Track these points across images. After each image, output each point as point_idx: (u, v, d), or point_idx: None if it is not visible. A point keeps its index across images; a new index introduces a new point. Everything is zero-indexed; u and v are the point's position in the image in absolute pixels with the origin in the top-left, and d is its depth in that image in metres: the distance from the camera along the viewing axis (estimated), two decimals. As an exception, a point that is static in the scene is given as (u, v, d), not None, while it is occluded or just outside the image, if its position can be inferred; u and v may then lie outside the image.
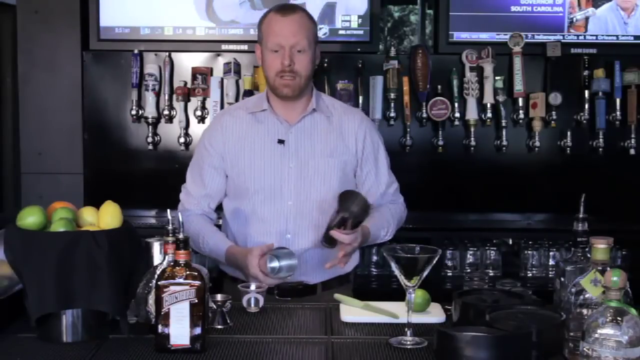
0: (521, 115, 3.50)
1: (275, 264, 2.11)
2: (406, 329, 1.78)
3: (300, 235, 2.31)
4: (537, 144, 3.51)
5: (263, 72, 2.37)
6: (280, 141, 2.32)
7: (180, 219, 1.78)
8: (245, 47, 3.51)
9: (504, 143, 3.52)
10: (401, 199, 2.52)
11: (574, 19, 3.55)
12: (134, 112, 3.48)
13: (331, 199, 2.28)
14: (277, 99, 2.34)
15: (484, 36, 3.54)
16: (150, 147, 3.52)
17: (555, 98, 3.47)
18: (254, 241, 2.32)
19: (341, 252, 2.18)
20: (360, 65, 3.50)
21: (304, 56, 2.27)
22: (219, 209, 2.45)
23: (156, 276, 1.71)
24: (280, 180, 2.31)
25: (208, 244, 2.32)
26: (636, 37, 3.55)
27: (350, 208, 2.20)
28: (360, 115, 2.48)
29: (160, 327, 1.66)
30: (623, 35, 3.55)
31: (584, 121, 3.53)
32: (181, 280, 1.66)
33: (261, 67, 2.37)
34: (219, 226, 2.44)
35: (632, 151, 3.51)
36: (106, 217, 1.84)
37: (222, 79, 3.47)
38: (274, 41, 2.26)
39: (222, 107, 3.45)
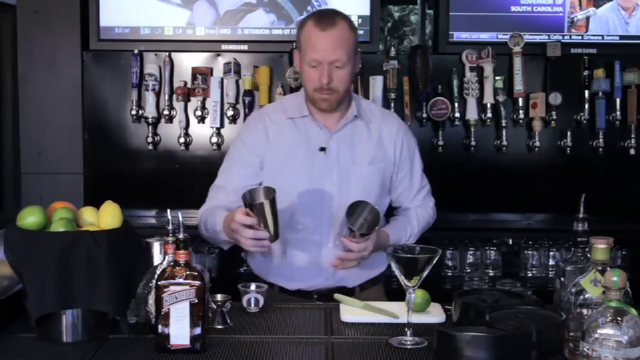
0: (521, 115, 3.50)
1: None
2: (406, 329, 1.78)
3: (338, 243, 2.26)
4: (537, 144, 3.51)
5: (302, 81, 2.31)
6: (322, 149, 2.30)
7: (180, 219, 1.78)
8: (245, 47, 3.51)
9: (504, 143, 3.52)
10: (431, 202, 2.50)
11: (575, 19, 3.55)
12: (134, 112, 3.47)
13: (380, 217, 2.26)
14: None
15: (484, 36, 3.54)
16: (150, 147, 3.52)
17: (555, 98, 3.47)
18: (293, 249, 2.31)
19: (341, 255, 2.18)
20: (360, 65, 3.49)
21: (343, 71, 2.21)
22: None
23: (156, 276, 1.71)
24: (322, 188, 2.29)
25: (210, 222, 2.24)
26: (636, 37, 3.55)
27: (359, 220, 2.16)
28: (398, 121, 2.45)
29: (160, 327, 1.66)
30: (623, 36, 3.55)
31: (584, 121, 3.52)
32: (181, 280, 1.66)
33: (300, 75, 2.32)
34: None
35: (632, 151, 3.51)
36: (106, 217, 1.84)
37: (222, 79, 3.47)
38: (312, 57, 2.20)
39: (222, 107, 3.46)
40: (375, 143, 2.35)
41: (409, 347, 1.74)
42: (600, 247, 1.60)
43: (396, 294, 2.38)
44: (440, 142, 3.51)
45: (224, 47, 3.52)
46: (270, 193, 2.05)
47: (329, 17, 2.23)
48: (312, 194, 2.29)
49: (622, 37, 3.56)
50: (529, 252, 3.40)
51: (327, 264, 2.29)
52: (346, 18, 2.27)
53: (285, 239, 2.31)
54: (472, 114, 3.48)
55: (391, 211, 2.51)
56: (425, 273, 1.78)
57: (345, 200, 2.23)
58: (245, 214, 2.02)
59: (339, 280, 2.32)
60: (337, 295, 2.10)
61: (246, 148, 2.34)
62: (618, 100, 3.50)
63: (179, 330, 1.65)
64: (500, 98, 3.49)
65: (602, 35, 3.55)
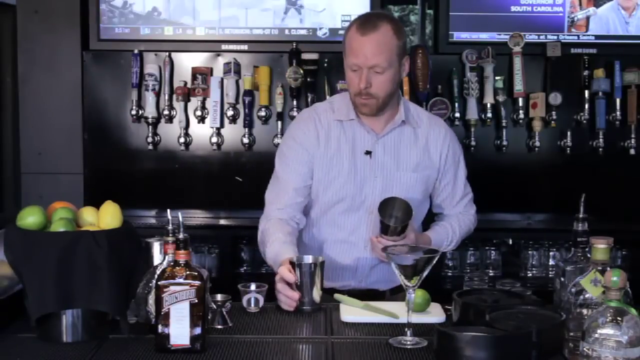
0: (521, 115, 3.50)
1: None
2: (406, 329, 1.77)
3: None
4: (537, 144, 3.51)
5: (347, 84, 2.30)
6: (368, 152, 2.30)
7: (180, 219, 1.77)
8: (245, 47, 3.51)
9: (504, 143, 3.53)
10: (473, 209, 2.49)
11: (575, 19, 3.55)
12: (134, 112, 3.48)
13: (412, 213, 2.24)
14: None
15: (484, 36, 3.54)
16: (150, 147, 3.52)
17: (555, 98, 3.47)
18: (330, 249, 2.33)
19: (379, 240, 2.17)
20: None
21: (383, 77, 2.20)
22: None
23: (156, 276, 1.71)
24: (364, 191, 2.29)
25: (270, 251, 2.22)
26: (636, 37, 3.56)
27: (392, 214, 2.17)
28: (445, 127, 2.44)
29: (160, 327, 1.66)
30: (623, 36, 3.55)
31: (584, 121, 3.53)
32: (181, 280, 1.66)
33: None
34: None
35: (632, 151, 3.51)
36: (106, 217, 1.84)
37: (222, 79, 3.47)
38: (352, 61, 2.20)
39: (222, 107, 3.46)
40: (422, 149, 2.35)
41: (409, 347, 1.73)
42: (600, 247, 1.60)
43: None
44: (441, 142, 3.51)
45: (224, 47, 3.52)
46: (318, 261, 2.09)
47: (372, 21, 2.20)
48: (354, 196, 2.30)
49: (622, 37, 3.56)
50: (529, 252, 3.40)
51: (362, 266, 2.32)
52: (392, 21, 2.23)
53: (323, 238, 2.34)
54: (472, 114, 3.49)
55: (432, 217, 2.50)
56: (425, 273, 1.78)
57: None
58: (289, 271, 2.03)
59: (371, 283, 2.34)
60: (337, 295, 2.10)
61: (300, 147, 2.32)
62: (618, 100, 3.50)
63: (179, 330, 1.65)
64: (500, 98, 3.50)
65: (597, 35, 3.55)
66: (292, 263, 2.06)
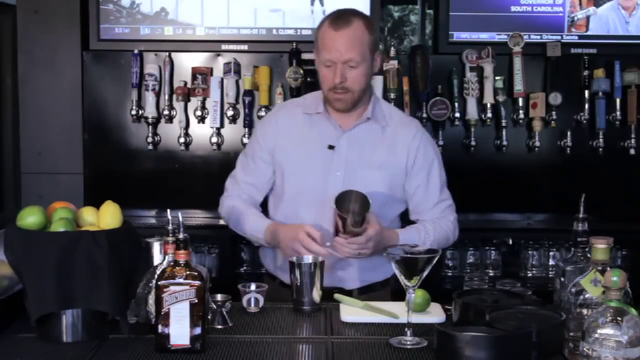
0: (521, 115, 3.50)
1: None
2: (406, 329, 1.77)
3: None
4: (537, 144, 3.51)
5: (319, 81, 2.31)
6: (331, 147, 2.30)
7: (180, 219, 1.77)
8: (245, 47, 3.51)
9: (504, 143, 3.53)
10: (453, 216, 2.41)
11: (575, 18, 3.55)
12: (134, 112, 3.48)
13: (375, 211, 2.22)
14: None
15: (484, 36, 3.54)
16: (150, 147, 3.52)
17: (555, 98, 3.47)
18: None
19: (342, 240, 2.14)
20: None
21: (357, 71, 2.21)
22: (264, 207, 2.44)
23: (156, 276, 1.71)
24: (326, 186, 2.28)
25: (247, 223, 2.32)
26: (636, 37, 3.56)
27: (349, 208, 2.13)
28: (417, 127, 2.41)
29: (160, 327, 1.66)
30: (622, 36, 3.55)
31: (584, 121, 3.53)
32: (181, 280, 1.66)
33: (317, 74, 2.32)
34: None
35: (632, 151, 3.51)
36: (106, 217, 1.84)
37: (222, 79, 3.47)
38: (325, 56, 2.21)
39: (222, 107, 3.46)
40: (387, 148, 2.33)
41: (409, 347, 1.73)
42: (600, 247, 1.60)
43: (396, 294, 2.38)
44: (440, 142, 3.51)
45: (224, 47, 3.52)
46: (318, 261, 2.08)
47: (344, 17, 2.23)
48: (315, 191, 2.29)
49: (622, 37, 3.56)
50: (529, 252, 3.40)
51: (326, 262, 2.28)
52: (364, 17, 2.27)
53: None
54: (472, 114, 3.48)
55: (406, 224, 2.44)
56: (425, 273, 1.78)
57: None
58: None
59: (337, 281, 2.30)
60: (337, 295, 2.10)
61: (258, 143, 2.39)
62: (618, 100, 3.50)
63: (179, 330, 1.65)
64: (500, 98, 3.50)
65: (597, 35, 3.55)
66: (291, 263, 2.06)
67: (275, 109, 2.53)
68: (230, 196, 2.41)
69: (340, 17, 2.23)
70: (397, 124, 2.36)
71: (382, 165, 2.32)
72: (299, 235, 2.14)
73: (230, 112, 3.46)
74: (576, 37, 3.55)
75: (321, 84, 2.29)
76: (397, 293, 2.37)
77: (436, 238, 2.33)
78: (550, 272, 3.32)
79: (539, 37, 3.54)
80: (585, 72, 3.50)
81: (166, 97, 3.49)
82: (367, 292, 2.33)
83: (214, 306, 1.88)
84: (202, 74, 3.48)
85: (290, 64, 3.43)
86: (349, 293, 2.27)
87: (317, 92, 2.42)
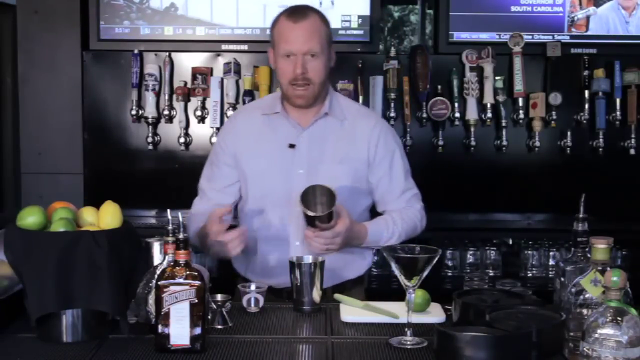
0: (521, 115, 3.50)
1: None
2: (406, 329, 1.77)
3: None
4: (537, 144, 3.51)
5: (277, 77, 2.33)
6: (291, 145, 2.30)
7: (180, 219, 1.78)
8: (245, 47, 3.51)
9: (504, 143, 3.52)
10: (419, 205, 2.42)
11: (575, 18, 3.55)
12: (134, 112, 3.48)
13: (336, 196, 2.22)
14: None
15: (484, 36, 3.54)
16: (150, 147, 3.52)
17: (555, 98, 3.47)
18: (263, 246, 2.32)
19: (312, 234, 2.13)
20: (360, 65, 3.50)
21: (317, 62, 2.23)
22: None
23: (156, 276, 1.71)
24: (290, 185, 2.28)
25: (191, 227, 2.33)
26: (636, 37, 3.56)
27: (316, 203, 2.11)
28: (376, 119, 2.43)
29: (160, 327, 1.66)
30: (622, 36, 3.55)
31: (584, 121, 3.53)
32: (181, 280, 1.66)
33: (275, 72, 2.34)
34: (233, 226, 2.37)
35: (632, 151, 3.51)
36: (106, 217, 1.84)
37: (222, 79, 3.47)
38: (285, 48, 2.22)
39: (222, 107, 3.46)
40: (348, 141, 2.33)
41: (409, 347, 1.73)
42: (600, 247, 1.60)
43: (396, 294, 2.38)
44: (440, 142, 3.51)
45: (224, 47, 3.52)
46: (318, 261, 2.06)
47: (300, 11, 2.27)
48: (280, 191, 2.29)
49: (622, 37, 3.56)
50: (529, 252, 3.40)
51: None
52: (318, 12, 2.30)
53: (257, 235, 2.33)
54: (472, 114, 3.48)
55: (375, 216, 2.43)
56: (425, 273, 1.77)
57: None
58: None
59: None
60: (337, 295, 2.10)
61: (220, 148, 2.40)
62: (618, 100, 3.50)
63: (179, 330, 1.65)
64: (500, 98, 3.50)
65: (597, 35, 3.55)
66: (292, 263, 2.06)
67: (235, 113, 2.52)
68: (194, 207, 2.42)
69: (297, 11, 2.27)
70: (356, 117, 2.37)
71: (344, 159, 2.32)
72: (209, 228, 2.16)
73: (230, 112, 3.45)
74: (576, 37, 3.55)
75: (280, 78, 2.29)
76: (394, 293, 2.38)
77: (404, 228, 2.33)
78: (550, 272, 3.32)
79: (539, 37, 3.53)
80: (585, 72, 3.50)
81: (166, 97, 3.49)
82: (341, 291, 2.28)
83: (214, 306, 1.88)
84: (202, 74, 3.48)
85: (290, 64, 3.43)
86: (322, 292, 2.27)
87: (275, 93, 2.44)
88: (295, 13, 2.25)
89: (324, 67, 2.26)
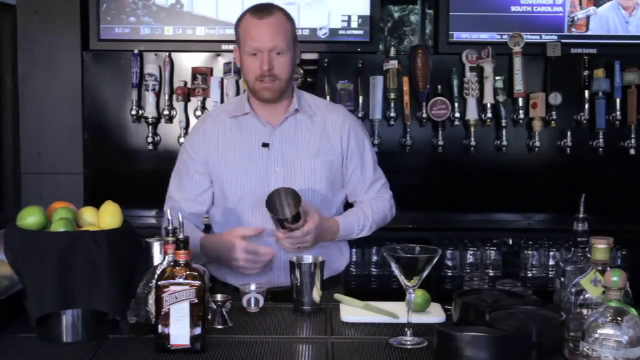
0: (521, 115, 3.50)
1: None
2: (406, 329, 1.77)
3: None
4: (537, 144, 3.51)
5: (243, 74, 2.34)
6: (265, 144, 2.30)
7: (180, 219, 1.78)
8: (245, 47, 3.51)
9: (504, 143, 3.53)
10: (388, 194, 2.47)
11: (575, 18, 3.55)
12: (134, 112, 3.48)
13: (319, 201, 2.29)
14: (259, 102, 2.32)
15: (484, 36, 3.54)
16: (150, 147, 3.52)
17: (555, 98, 3.47)
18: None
19: (283, 235, 2.16)
20: (360, 65, 3.50)
21: (284, 58, 2.24)
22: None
23: (156, 276, 1.71)
24: (267, 184, 2.27)
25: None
26: (636, 37, 3.56)
27: (282, 207, 2.14)
28: (344, 112, 2.44)
29: (160, 327, 1.66)
30: (622, 36, 3.55)
31: (584, 121, 3.53)
32: (181, 280, 1.66)
33: (240, 70, 2.34)
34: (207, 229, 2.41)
35: (632, 151, 3.51)
36: (106, 217, 1.83)
37: (222, 79, 3.47)
38: (251, 45, 2.23)
39: (222, 107, 3.46)
40: (320, 135, 2.34)
41: (409, 347, 1.73)
42: (600, 247, 1.60)
43: (396, 294, 2.38)
44: (440, 142, 3.51)
45: (224, 47, 3.52)
46: (318, 261, 2.07)
47: (265, 8, 2.28)
48: (258, 192, 2.28)
49: (622, 37, 3.56)
50: (529, 252, 3.40)
51: (278, 263, 2.27)
52: (283, 9, 2.30)
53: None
54: (472, 114, 3.48)
55: (349, 207, 2.46)
56: (425, 273, 1.77)
57: None
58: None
59: (287, 280, 2.23)
60: (337, 295, 2.10)
61: (189, 156, 2.37)
62: (618, 100, 3.50)
63: (179, 330, 1.65)
64: (500, 98, 3.50)
65: (597, 35, 3.55)
66: (292, 263, 2.06)
67: (201, 119, 2.48)
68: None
69: (262, 8, 2.27)
70: (324, 111, 2.38)
71: (319, 153, 2.33)
72: (237, 246, 2.14)
73: (230, 112, 3.45)
74: (576, 37, 3.55)
75: (246, 76, 2.30)
76: (394, 293, 2.38)
77: (375, 220, 2.38)
78: (550, 272, 3.32)
79: (539, 37, 3.53)
80: (585, 72, 3.50)
81: (166, 97, 3.50)
82: (325, 289, 2.26)
83: (214, 306, 1.88)
84: (202, 74, 3.48)
85: (290, 64, 3.43)
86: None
87: (240, 96, 2.43)
88: (260, 10, 2.26)
89: (289, 64, 2.27)
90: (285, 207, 2.14)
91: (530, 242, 3.41)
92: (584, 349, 1.43)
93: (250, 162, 2.30)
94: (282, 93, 2.29)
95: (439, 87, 3.51)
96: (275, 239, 2.23)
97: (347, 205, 2.46)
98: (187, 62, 3.54)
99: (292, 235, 2.16)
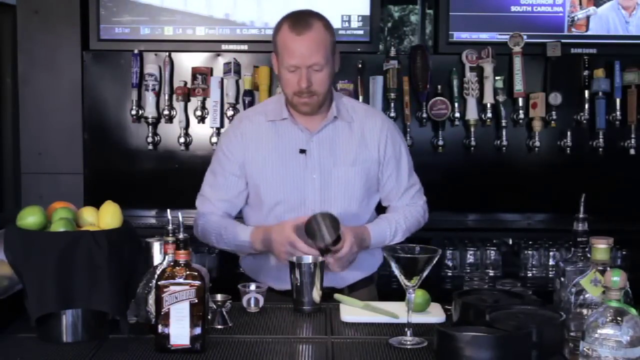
0: (521, 115, 3.50)
1: None
2: (406, 329, 1.77)
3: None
4: (537, 144, 3.51)
5: (280, 85, 2.30)
6: (302, 151, 2.29)
7: (180, 219, 1.77)
8: (245, 47, 3.51)
9: (504, 143, 3.53)
10: (422, 200, 2.46)
11: (575, 18, 3.55)
12: (134, 112, 3.48)
13: (355, 208, 2.30)
14: None
15: (484, 36, 3.54)
16: (150, 147, 3.52)
17: (555, 98, 3.47)
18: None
19: (333, 260, 2.17)
20: (360, 65, 3.50)
21: (322, 74, 2.20)
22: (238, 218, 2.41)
23: (156, 276, 1.71)
24: (304, 191, 2.28)
25: (230, 234, 2.27)
26: (636, 37, 3.56)
27: (321, 233, 2.12)
28: (382, 118, 2.43)
29: (160, 327, 1.66)
30: (622, 36, 3.55)
31: (584, 121, 3.53)
32: (181, 280, 1.66)
33: (278, 80, 2.30)
34: None
35: (632, 151, 3.51)
36: (106, 217, 1.83)
37: (222, 79, 3.47)
38: (289, 62, 2.19)
39: (222, 107, 3.46)
40: (358, 143, 2.33)
41: (409, 347, 1.73)
42: (600, 247, 1.60)
43: (396, 294, 2.38)
44: (440, 142, 3.51)
45: (224, 47, 3.52)
46: (318, 261, 2.07)
47: (304, 20, 2.21)
48: (294, 197, 2.28)
49: (622, 37, 3.56)
50: (529, 252, 3.40)
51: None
52: (322, 19, 2.24)
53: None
54: (472, 114, 3.49)
55: (382, 211, 2.46)
56: (425, 273, 1.77)
57: (328, 202, 2.27)
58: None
59: (327, 282, 2.28)
60: (337, 295, 2.10)
61: (226, 157, 2.34)
62: (618, 100, 3.51)
63: (179, 330, 1.65)
64: (500, 98, 3.50)
65: (597, 35, 3.55)
66: (291, 263, 2.06)
67: (237, 120, 2.43)
68: (204, 214, 2.35)
69: (300, 20, 2.21)
70: (362, 118, 2.37)
71: (356, 160, 2.32)
72: (290, 236, 2.12)
73: (230, 112, 3.45)
74: (576, 37, 3.55)
75: (284, 89, 2.27)
76: (394, 293, 2.38)
77: (407, 226, 2.38)
78: (550, 272, 3.32)
79: (539, 37, 3.53)
80: (585, 72, 3.50)
81: (166, 97, 3.50)
82: (357, 289, 2.34)
83: (214, 306, 1.88)
84: (202, 74, 3.48)
85: (290, 64, 3.43)
86: (339, 292, 2.27)
87: (275, 98, 2.40)
88: (298, 23, 2.19)
89: (328, 77, 2.23)
90: (324, 233, 2.12)
91: (530, 242, 3.41)
92: (584, 349, 1.43)
93: (287, 168, 2.29)
94: (320, 106, 2.28)
95: (439, 87, 3.51)
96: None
97: (380, 209, 2.46)
98: (187, 62, 3.54)
99: (341, 257, 2.15)
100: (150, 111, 3.47)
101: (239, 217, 2.42)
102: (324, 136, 2.32)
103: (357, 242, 2.20)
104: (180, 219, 1.77)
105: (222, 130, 3.48)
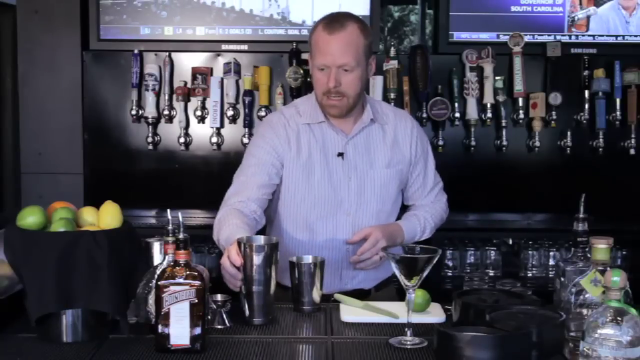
0: (521, 115, 3.50)
1: None
2: (406, 329, 1.77)
3: (357, 245, 2.25)
4: (537, 144, 3.51)
5: (313, 86, 2.27)
6: (340, 154, 2.29)
7: (180, 219, 1.77)
8: (245, 47, 3.51)
9: (504, 143, 3.53)
10: (444, 197, 2.51)
11: (576, 18, 3.55)
12: (134, 112, 3.48)
13: (389, 208, 2.34)
14: None
15: (484, 36, 3.54)
16: (150, 147, 3.52)
17: (555, 98, 3.47)
18: (308, 252, 2.21)
19: (354, 258, 2.22)
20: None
21: (352, 76, 2.19)
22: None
23: (156, 276, 1.71)
24: (340, 193, 2.29)
25: (223, 234, 2.11)
26: (636, 37, 3.56)
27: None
28: (410, 119, 2.46)
29: (160, 327, 1.66)
30: (622, 35, 3.55)
31: (584, 121, 3.53)
32: (181, 280, 1.66)
33: (311, 79, 2.29)
34: (262, 232, 2.27)
35: (632, 151, 3.51)
36: (106, 217, 1.84)
37: (222, 79, 3.47)
38: (320, 61, 2.19)
39: (222, 107, 3.46)
40: (391, 145, 2.35)
41: (409, 347, 1.73)
42: (600, 247, 1.60)
43: (396, 294, 2.38)
44: (440, 142, 3.51)
45: (224, 47, 3.52)
46: (318, 261, 2.06)
47: (338, 21, 2.20)
48: (330, 200, 2.29)
49: (622, 36, 3.56)
50: (529, 252, 3.40)
51: (346, 270, 2.31)
52: (358, 22, 2.23)
53: (303, 245, 2.30)
54: (472, 114, 3.49)
55: (404, 208, 2.48)
56: (425, 273, 1.78)
57: (364, 204, 2.29)
58: (236, 252, 1.91)
59: (357, 284, 2.34)
60: (337, 295, 2.10)
61: (270, 147, 2.28)
62: (618, 100, 3.50)
63: (179, 330, 1.65)
64: (500, 98, 3.50)
65: (597, 35, 3.55)
66: (291, 263, 2.06)
67: (277, 117, 2.34)
68: (227, 205, 2.23)
69: (335, 21, 2.21)
70: (394, 119, 2.39)
71: (390, 163, 2.34)
72: (222, 260, 1.95)
73: (230, 112, 3.46)
74: (576, 37, 3.55)
75: (315, 89, 2.27)
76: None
77: (435, 222, 2.44)
78: (550, 272, 3.32)
79: (539, 37, 3.53)
80: (585, 72, 3.50)
81: (166, 97, 3.50)
82: (382, 289, 2.39)
83: (214, 306, 1.88)
84: (202, 74, 3.48)
85: (290, 64, 3.43)
86: (367, 293, 2.33)
87: (307, 99, 2.37)
88: (332, 23, 2.19)
89: (359, 80, 2.21)
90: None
91: (530, 242, 3.41)
92: (584, 349, 1.43)
93: (325, 171, 2.29)
94: (350, 109, 2.26)
95: (439, 87, 3.51)
96: (345, 251, 2.29)
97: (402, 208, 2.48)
98: (187, 62, 3.53)
99: (363, 251, 2.19)
100: (150, 111, 3.47)
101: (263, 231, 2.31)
102: (359, 139, 2.32)
103: (387, 238, 2.22)
104: (180, 219, 1.77)
105: (222, 131, 3.48)
